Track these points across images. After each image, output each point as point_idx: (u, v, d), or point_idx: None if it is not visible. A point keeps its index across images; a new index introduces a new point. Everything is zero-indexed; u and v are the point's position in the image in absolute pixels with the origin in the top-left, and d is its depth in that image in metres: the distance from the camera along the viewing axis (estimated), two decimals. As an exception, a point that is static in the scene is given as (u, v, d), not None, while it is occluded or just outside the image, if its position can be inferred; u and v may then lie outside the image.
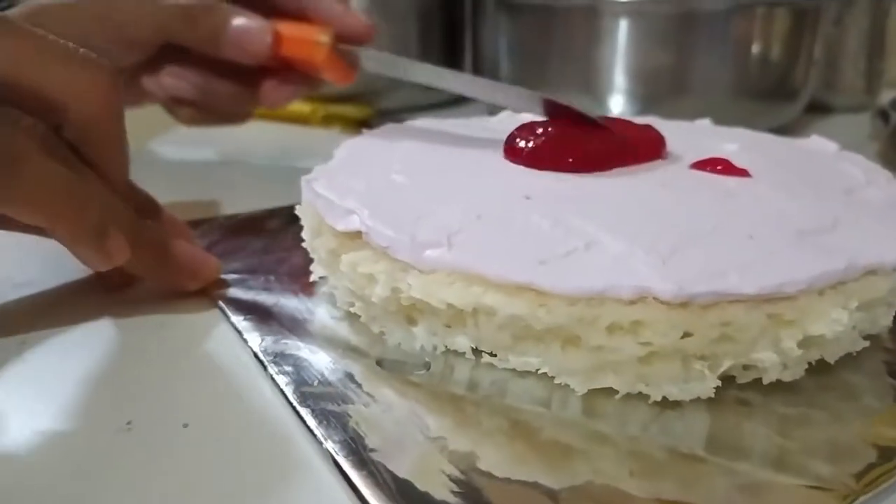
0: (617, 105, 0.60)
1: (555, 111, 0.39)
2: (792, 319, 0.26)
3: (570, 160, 0.35)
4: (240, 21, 0.44)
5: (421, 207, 0.31)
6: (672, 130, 0.40)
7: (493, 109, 0.47)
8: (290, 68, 0.47)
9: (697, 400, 0.27)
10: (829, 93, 0.74)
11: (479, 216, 0.30)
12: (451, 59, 0.77)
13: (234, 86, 0.48)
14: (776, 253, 0.28)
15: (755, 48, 0.60)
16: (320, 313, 0.33)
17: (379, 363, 0.29)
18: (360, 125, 0.64)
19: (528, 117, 0.41)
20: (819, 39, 0.64)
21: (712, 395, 0.27)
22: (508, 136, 0.37)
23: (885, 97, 0.74)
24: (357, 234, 0.30)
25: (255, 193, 0.51)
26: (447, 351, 0.30)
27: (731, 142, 0.40)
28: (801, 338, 0.26)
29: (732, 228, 0.29)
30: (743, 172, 0.35)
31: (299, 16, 0.47)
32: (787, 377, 0.27)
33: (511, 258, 0.27)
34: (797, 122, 0.68)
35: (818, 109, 0.72)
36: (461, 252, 0.28)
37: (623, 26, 0.59)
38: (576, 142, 0.36)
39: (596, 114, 0.38)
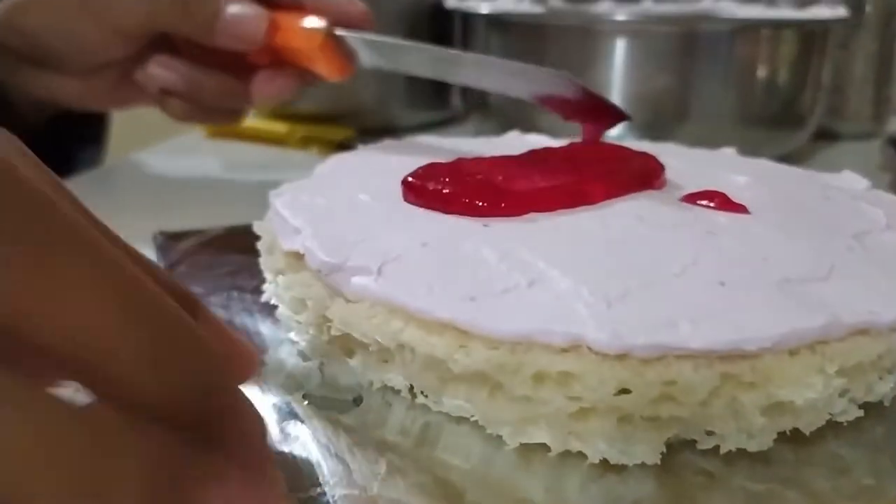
0: (613, 131, 0.57)
1: (585, 98, 0.37)
2: (752, 381, 0.23)
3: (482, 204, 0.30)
4: (235, 8, 0.43)
5: (369, 230, 0.29)
6: (685, 158, 0.37)
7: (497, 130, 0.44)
8: (283, 63, 0.46)
9: (645, 465, 0.23)
10: (834, 119, 0.71)
11: (424, 244, 0.27)
12: (439, 78, 0.73)
13: (226, 79, 0.47)
14: (745, 303, 0.24)
15: (760, 72, 0.57)
16: (269, 335, 0.31)
17: (306, 397, 0.26)
18: (339, 147, 0.60)
19: (534, 139, 0.39)
20: (827, 63, 0.61)
21: (658, 462, 0.23)
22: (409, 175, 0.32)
23: (893, 124, 0.71)
24: (301, 256, 0.28)
25: (241, 209, 0.47)
26: (385, 387, 0.27)
27: (744, 173, 0.36)
28: (766, 404, 0.23)
29: (703, 272, 0.26)
30: (739, 208, 0.31)
31: (295, 6, 0.45)
32: (752, 447, 0.24)
33: (439, 292, 0.25)
34: (802, 150, 0.64)
35: (824, 136, 0.69)
36: (387, 282, 0.25)
37: (620, 47, 0.56)
38: (493, 185, 0.31)
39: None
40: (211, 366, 0.16)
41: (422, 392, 0.26)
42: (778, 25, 0.57)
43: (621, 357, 0.22)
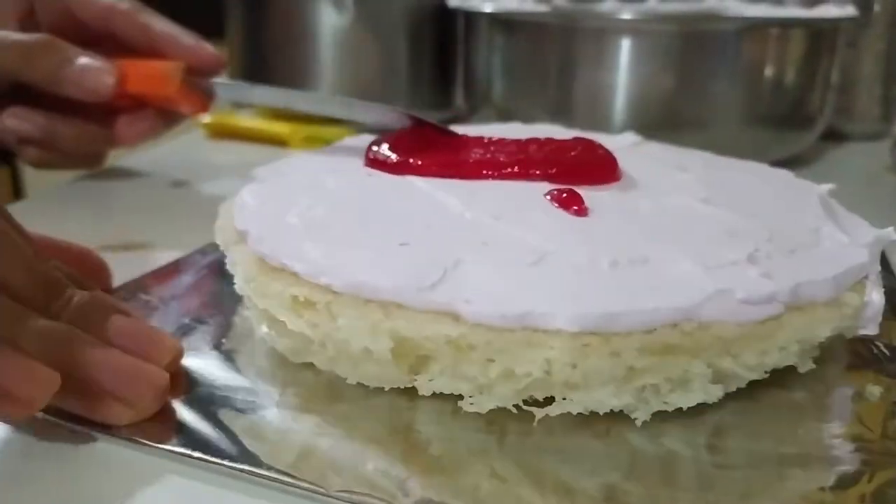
0: (617, 132, 0.56)
1: (416, 126, 0.40)
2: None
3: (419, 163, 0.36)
4: (81, 60, 0.44)
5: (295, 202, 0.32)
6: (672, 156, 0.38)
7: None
8: (144, 105, 0.48)
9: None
10: (842, 119, 0.70)
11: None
12: (441, 79, 0.73)
13: (84, 125, 0.47)
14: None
15: (768, 71, 0.56)
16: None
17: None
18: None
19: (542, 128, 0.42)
20: (836, 63, 0.60)
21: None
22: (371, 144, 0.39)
23: (902, 124, 0.70)
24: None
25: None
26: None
27: (693, 171, 0.38)
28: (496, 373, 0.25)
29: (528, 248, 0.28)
30: (580, 211, 0.32)
31: (151, 53, 0.47)
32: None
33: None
34: (809, 152, 0.63)
35: (831, 137, 0.68)
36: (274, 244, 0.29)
37: (625, 47, 0.55)
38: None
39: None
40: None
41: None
42: (786, 24, 0.56)
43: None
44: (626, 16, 0.56)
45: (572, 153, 0.36)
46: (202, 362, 0.30)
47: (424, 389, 0.26)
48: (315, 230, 0.30)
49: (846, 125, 0.71)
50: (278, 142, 0.65)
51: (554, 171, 0.34)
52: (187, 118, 0.49)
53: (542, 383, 0.25)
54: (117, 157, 0.60)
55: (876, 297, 0.29)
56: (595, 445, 0.25)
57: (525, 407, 0.26)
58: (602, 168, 0.35)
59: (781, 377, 0.28)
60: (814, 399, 0.28)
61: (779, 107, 0.57)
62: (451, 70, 0.73)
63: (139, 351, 0.27)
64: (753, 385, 0.27)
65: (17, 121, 0.46)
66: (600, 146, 0.36)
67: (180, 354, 0.29)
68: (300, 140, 0.64)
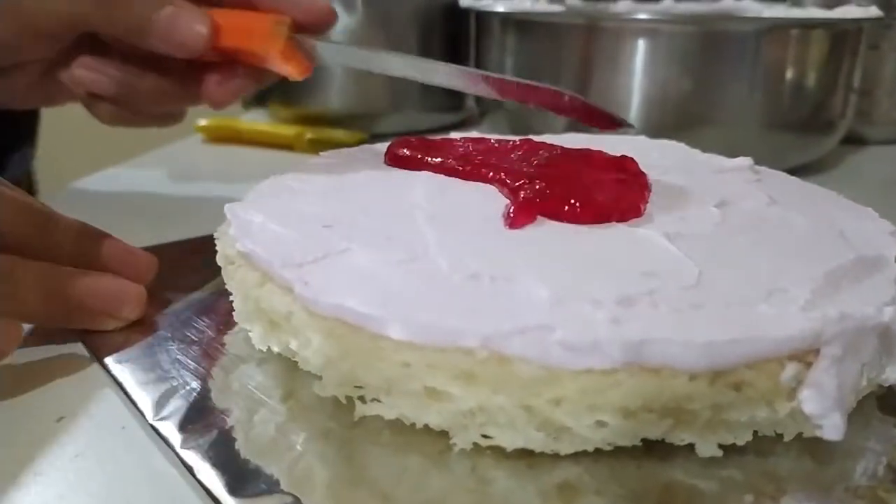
0: (633, 135, 0.54)
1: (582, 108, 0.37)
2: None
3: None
4: (169, 10, 0.39)
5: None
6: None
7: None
8: (234, 62, 0.42)
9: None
10: (862, 123, 0.68)
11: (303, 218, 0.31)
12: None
13: (162, 81, 0.43)
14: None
15: (788, 74, 0.54)
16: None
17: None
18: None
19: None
20: (859, 65, 0.58)
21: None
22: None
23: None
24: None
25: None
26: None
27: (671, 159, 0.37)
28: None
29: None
30: (511, 221, 0.29)
31: (246, 5, 0.41)
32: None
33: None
34: (829, 157, 0.62)
35: (849, 142, 0.66)
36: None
37: (640, 48, 0.53)
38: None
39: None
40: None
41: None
42: (807, 25, 0.54)
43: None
44: (643, 16, 0.54)
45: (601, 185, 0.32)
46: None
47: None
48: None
49: (866, 130, 0.69)
50: (282, 146, 0.64)
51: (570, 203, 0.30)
52: (279, 79, 0.43)
53: (351, 378, 0.25)
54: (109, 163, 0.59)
55: (815, 390, 0.23)
56: (418, 462, 0.24)
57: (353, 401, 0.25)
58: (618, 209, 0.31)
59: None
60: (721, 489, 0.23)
61: (799, 110, 0.56)
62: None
63: (126, 272, 0.33)
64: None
65: (88, 72, 0.42)
66: (640, 179, 0.33)
67: (155, 266, 0.34)
68: (305, 143, 0.63)
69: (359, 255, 0.27)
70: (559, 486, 0.23)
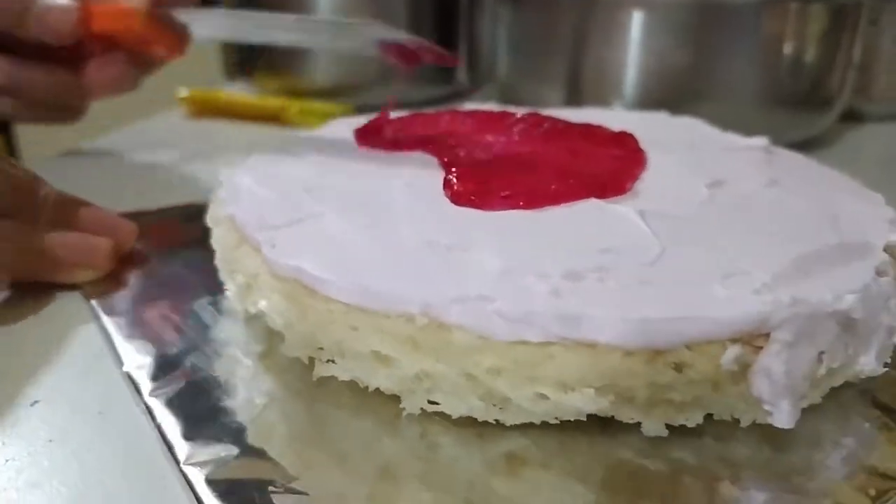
0: (628, 110, 0.53)
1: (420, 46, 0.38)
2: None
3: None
4: (44, 0, 0.42)
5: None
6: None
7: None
8: (116, 48, 0.45)
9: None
10: (860, 100, 0.67)
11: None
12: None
13: (53, 72, 0.45)
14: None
15: (787, 49, 0.53)
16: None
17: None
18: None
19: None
20: (858, 41, 0.57)
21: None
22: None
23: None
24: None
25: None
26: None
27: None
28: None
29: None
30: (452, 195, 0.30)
31: None
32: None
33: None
34: (827, 133, 0.60)
35: (848, 118, 0.65)
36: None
37: (637, 20, 0.52)
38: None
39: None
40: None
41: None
42: (807, -1, 0.53)
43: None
44: (640, -13, 0.53)
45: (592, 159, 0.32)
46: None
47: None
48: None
49: (865, 106, 0.68)
50: (270, 118, 0.62)
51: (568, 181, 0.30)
52: (162, 63, 0.46)
53: (310, 340, 0.25)
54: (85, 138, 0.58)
55: (764, 376, 0.22)
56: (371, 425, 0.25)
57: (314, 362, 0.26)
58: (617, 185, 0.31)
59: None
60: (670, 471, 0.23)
61: (797, 86, 0.55)
62: (454, 44, 0.70)
63: (105, 234, 0.34)
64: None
65: None
66: (632, 149, 0.33)
67: (135, 232, 0.36)
68: (294, 115, 0.61)
69: (330, 219, 0.28)
70: (506, 455, 0.23)
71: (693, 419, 0.24)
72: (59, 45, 0.43)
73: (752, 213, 0.29)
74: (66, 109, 0.48)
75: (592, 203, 0.29)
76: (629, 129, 0.35)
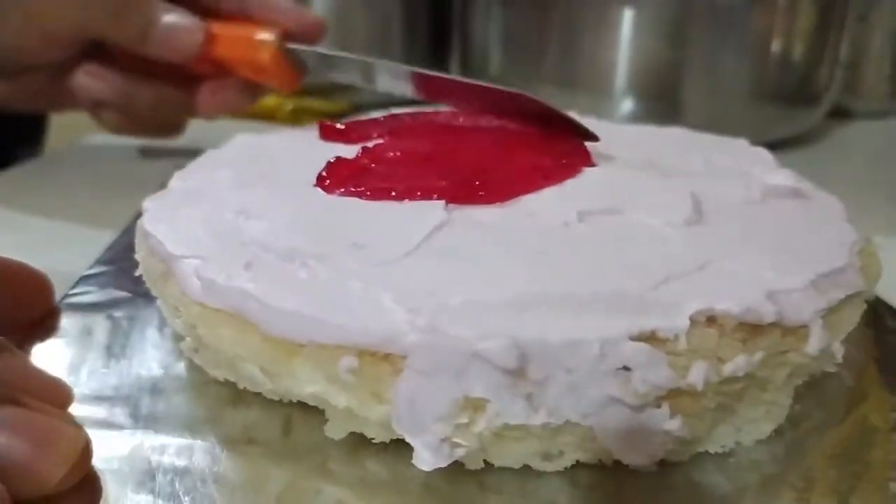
0: (619, 105, 0.54)
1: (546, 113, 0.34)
2: None
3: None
4: (169, 18, 0.42)
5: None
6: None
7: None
8: (229, 74, 0.44)
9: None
10: (849, 97, 0.68)
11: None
12: (437, 52, 0.71)
13: (165, 91, 0.45)
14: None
15: (775, 45, 0.54)
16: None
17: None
18: (333, 121, 0.57)
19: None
20: (846, 37, 0.57)
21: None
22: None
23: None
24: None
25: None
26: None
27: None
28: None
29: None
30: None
31: (242, 16, 0.44)
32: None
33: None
34: (815, 130, 0.61)
35: (836, 115, 0.65)
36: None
37: (627, 18, 0.53)
38: None
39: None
40: None
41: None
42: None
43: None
44: (628, -16, 0.54)
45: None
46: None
47: None
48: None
49: (853, 103, 0.68)
50: (263, 116, 0.62)
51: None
52: (271, 92, 0.46)
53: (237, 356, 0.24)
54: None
55: (396, 400, 0.20)
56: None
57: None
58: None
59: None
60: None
61: (785, 82, 0.55)
62: (447, 38, 0.71)
63: (30, 448, 0.19)
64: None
65: (91, 79, 0.44)
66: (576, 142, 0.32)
67: (84, 450, 0.20)
68: (287, 114, 0.62)
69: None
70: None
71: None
72: (176, 64, 0.43)
73: (631, 240, 0.26)
74: (167, 125, 0.48)
75: (520, 208, 0.28)
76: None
